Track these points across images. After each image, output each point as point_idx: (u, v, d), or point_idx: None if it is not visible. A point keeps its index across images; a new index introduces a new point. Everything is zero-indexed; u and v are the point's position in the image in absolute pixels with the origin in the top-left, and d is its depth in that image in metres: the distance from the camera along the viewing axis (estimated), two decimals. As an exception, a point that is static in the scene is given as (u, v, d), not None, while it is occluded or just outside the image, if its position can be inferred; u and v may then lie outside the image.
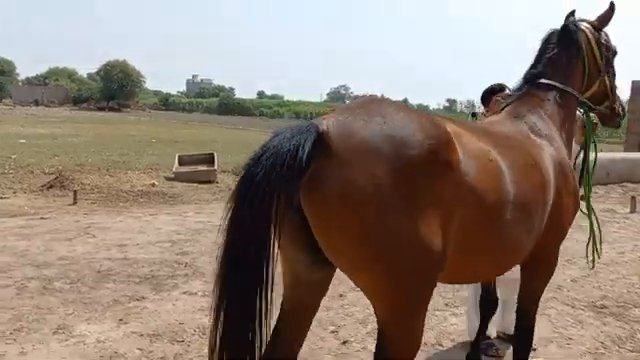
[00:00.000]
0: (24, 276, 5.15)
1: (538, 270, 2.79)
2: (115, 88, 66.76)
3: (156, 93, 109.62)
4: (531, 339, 2.91)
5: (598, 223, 3.30)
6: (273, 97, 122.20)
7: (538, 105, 2.78)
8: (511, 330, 3.97)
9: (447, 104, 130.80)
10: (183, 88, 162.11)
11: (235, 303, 1.89)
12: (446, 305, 4.78)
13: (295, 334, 2.23)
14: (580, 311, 4.74)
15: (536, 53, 2.97)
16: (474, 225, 2.09)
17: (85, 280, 5.12)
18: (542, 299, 3.04)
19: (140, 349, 3.78)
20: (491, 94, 3.91)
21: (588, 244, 3.29)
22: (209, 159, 13.84)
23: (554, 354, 3.87)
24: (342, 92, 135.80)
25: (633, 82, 20.96)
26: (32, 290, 4.81)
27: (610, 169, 13.74)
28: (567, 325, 4.41)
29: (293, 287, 2.17)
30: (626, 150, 20.04)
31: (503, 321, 4.01)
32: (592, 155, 3.24)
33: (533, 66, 2.93)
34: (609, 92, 3.08)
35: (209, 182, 12.46)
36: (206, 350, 3.69)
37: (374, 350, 2.33)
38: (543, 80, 2.84)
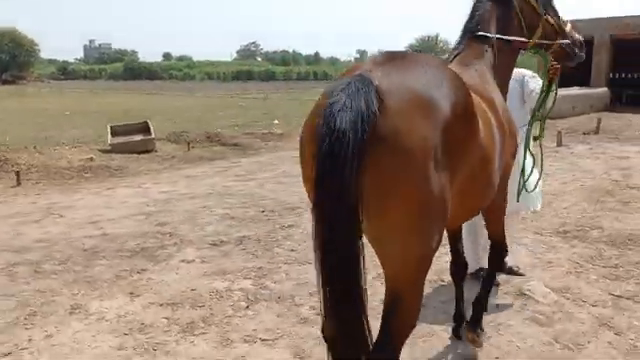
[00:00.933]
0: (7, 262, 4.96)
1: (496, 206, 2.96)
2: (7, 59, 61.59)
3: (51, 62, 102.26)
4: (503, 255, 3.33)
5: (542, 160, 3.66)
6: (181, 59, 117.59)
7: (479, 55, 2.88)
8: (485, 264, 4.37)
9: (357, 55, 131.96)
10: (80, 55, 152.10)
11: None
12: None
13: None
14: (549, 238, 5.31)
15: (471, 6, 3.04)
16: (475, 176, 2.21)
17: (75, 260, 5.02)
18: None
19: (166, 318, 3.85)
20: None
21: (525, 179, 3.56)
22: (144, 128, 13.40)
23: (542, 277, 4.36)
24: (252, 49, 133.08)
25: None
26: (24, 275, 4.66)
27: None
28: (543, 251, 4.94)
29: None
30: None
31: (480, 259, 4.34)
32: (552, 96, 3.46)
33: (469, 20, 3.00)
34: (557, 29, 3.17)
35: (147, 152, 12.14)
36: (231, 311, 3.90)
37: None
38: (480, 32, 2.92)
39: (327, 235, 1.81)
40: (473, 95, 2.23)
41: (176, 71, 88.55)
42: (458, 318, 3.44)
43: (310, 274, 4.52)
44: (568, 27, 3.27)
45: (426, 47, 73.80)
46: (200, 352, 3.40)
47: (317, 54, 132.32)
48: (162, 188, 8.04)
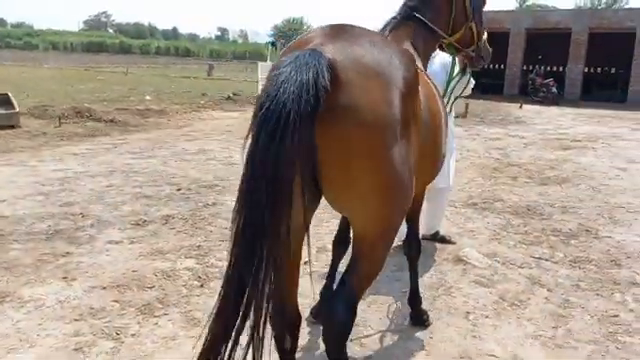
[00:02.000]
0: None
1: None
2: None
3: None
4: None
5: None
6: (18, 26, 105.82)
7: (410, 34, 2.92)
8: (434, 229, 4.77)
9: (219, 33, 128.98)
10: None
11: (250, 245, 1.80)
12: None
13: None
14: (463, 209, 5.79)
15: None
16: (427, 149, 2.30)
17: (-21, 245, 4.43)
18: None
19: (115, 301, 3.59)
20: None
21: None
22: (3, 101, 11.99)
23: (470, 244, 4.77)
24: (103, 20, 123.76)
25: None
26: None
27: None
28: (462, 222, 5.39)
29: None
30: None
31: (429, 224, 4.73)
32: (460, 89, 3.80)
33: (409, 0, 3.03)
34: (475, 38, 3.27)
35: (11, 127, 10.91)
36: (185, 291, 3.76)
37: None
38: (416, 14, 2.95)
39: (249, 217, 1.77)
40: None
41: (15, 40, 79.72)
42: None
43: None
44: (484, 36, 3.42)
45: (291, 29, 74.49)
46: (169, 332, 3.23)
47: (175, 29, 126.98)
48: (52, 166, 7.30)
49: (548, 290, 3.91)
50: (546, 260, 4.46)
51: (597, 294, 3.86)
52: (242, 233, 1.80)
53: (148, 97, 17.18)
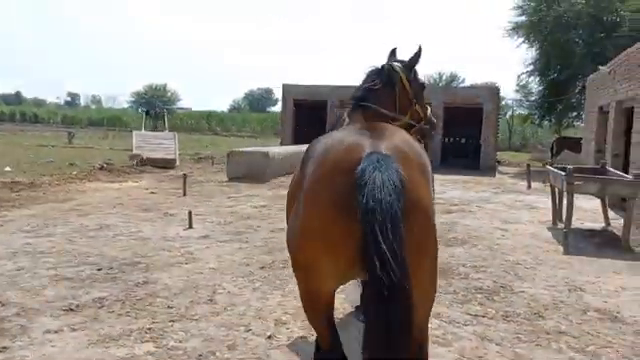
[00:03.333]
0: None
1: None
2: None
3: None
4: None
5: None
6: None
7: (361, 119, 3.28)
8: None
9: (69, 98, 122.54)
10: None
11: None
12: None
13: None
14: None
15: (362, 82, 3.57)
16: None
17: None
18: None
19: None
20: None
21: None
22: None
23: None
24: None
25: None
26: None
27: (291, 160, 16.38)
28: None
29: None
30: (283, 143, 23.72)
31: None
32: None
33: (357, 91, 3.51)
34: (422, 116, 3.79)
35: None
36: None
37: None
38: (364, 102, 3.41)
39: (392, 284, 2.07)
40: None
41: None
42: None
43: (210, 329, 4.40)
44: (428, 112, 3.98)
45: (153, 94, 73.19)
46: None
47: (19, 93, 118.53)
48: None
49: (497, 344, 4.33)
50: (482, 317, 4.92)
51: (537, 345, 4.35)
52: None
53: (8, 168, 15.75)
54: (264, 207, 10.74)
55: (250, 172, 14.85)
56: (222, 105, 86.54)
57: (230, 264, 6.39)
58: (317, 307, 2.63)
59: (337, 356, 2.67)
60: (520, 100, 33.72)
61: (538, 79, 25.98)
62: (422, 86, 3.86)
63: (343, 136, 2.58)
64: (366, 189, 2.15)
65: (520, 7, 25.06)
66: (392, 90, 3.52)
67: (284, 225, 9.26)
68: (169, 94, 76.38)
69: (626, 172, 9.90)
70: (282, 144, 23.80)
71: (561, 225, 9.43)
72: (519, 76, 27.89)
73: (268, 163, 15.16)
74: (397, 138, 2.53)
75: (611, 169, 9.93)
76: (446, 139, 23.93)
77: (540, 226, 9.69)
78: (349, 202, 2.21)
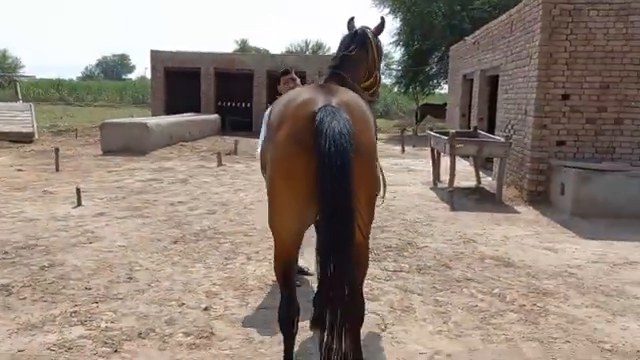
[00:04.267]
0: None
1: None
2: None
3: None
4: None
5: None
6: None
7: (341, 82, 3.39)
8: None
9: None
10: None
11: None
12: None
13: None
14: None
15: (337, 49, 3.71)
16: None
17: None
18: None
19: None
20: (283, 75, 4.95)
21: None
22: None
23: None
24: None
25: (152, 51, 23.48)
26: None
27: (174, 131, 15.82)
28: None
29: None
30: (154, 113, 22.69)
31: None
32: None
33: (334, 59, 3.65)
34: (377, 83, 3.91)
35: None
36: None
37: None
38: (337, 70, 3.55)
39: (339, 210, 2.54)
40: None
41: None
42: None
43: (141, 307, 4.27)
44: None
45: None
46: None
47: None
48: None
49: (418, 295, 4.72)
50: (399, 271, 5.31)
51: (452, 292, 4.82)
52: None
53: None
54: (154, 180, 10.33)
55: (128, 145, 14.10)
56: (71, 73, 79.22)
57: (140, 240, 6.14)
58: (281, 249, 3.04)
59: (289, 294, 3.12)
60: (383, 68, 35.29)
61: (403, 49, 27.42)
62: (383, 55, 4.10)
63: (300, 92, 3.04)
64: (325, 135, 2.57)
65: (386, -22, 26.06)
66: (366, 55, 3.64)
67: (182, 198, 9.14)
68: (9, 61, 68.54)
69: (492, 134, 10.99)
70: (154, 115, 22.73)
71: (440, 185, 10.28)
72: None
73: (147, 135, 14.48)
74: (345, 95, 2.95)
75: (482, 132, 10.96)
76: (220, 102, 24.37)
77: (423, 187, 10.45)
78: (307, 141, 2.63)
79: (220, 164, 12.65)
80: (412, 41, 26.07)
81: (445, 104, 22.20)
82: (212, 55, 24.23)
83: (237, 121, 23.95)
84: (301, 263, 5.24)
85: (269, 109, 4.75)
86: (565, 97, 8.64)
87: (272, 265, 5.26)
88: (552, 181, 8.64)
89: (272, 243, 6.01)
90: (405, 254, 5.90)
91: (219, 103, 24.35)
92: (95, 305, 4.32)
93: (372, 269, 5.29)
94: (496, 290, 4.88)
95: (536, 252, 6.18)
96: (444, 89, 29.20)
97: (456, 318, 4.24)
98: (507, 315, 4.33)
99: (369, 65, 3.70)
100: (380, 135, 25.18)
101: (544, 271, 5.46)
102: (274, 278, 4.97)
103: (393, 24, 26.59)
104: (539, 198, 8.74)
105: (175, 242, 6.11)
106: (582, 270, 5.53)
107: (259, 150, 4.75)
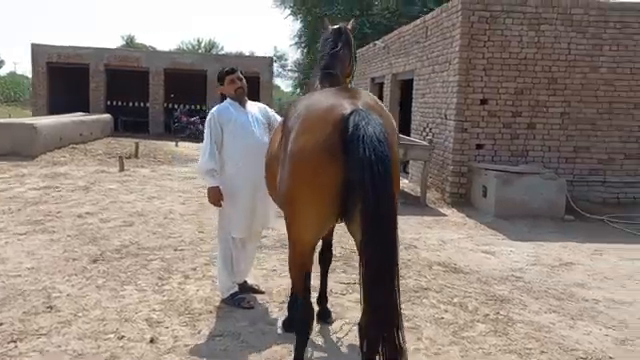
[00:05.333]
0: None
1: None
2: None
3: None
4: None
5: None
6: None
7: (337, 83, 3.53)
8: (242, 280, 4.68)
9: None
10: None
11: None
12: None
13: None
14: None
15: (325, 46, 3.72)
16: None
17: None
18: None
19: None
20: (228, 74, 4.44)
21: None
22: None
23: (285, 283, 4.94)
24: None
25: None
26: None
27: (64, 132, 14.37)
28: (258, 263, 5.46)
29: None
30: (36, 113, 20.63)
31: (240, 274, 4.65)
32: None
33: (324, 59, 3.69)
34: (353, 75, 4.05)
35: None
36: None
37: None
38: (330, 70, 3.64)
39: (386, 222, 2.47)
40: None
41: None
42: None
43: (72, 344, 3.60)
44: None
45: None
46: None
47: None
48: None
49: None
50: (353, 284, 5.01)
51: (413, 303, 4.60)
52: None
53: None
54: (50, 188, 9.18)
55: (13, 148, 12.54)
56: None
57: (52, 261, 5.29)
58: (300, 257, 2.93)
59: (309, 300, 3.06)
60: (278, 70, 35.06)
61: (305, 51, 27.37)
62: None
63: (322, 96, 2.92)
64: (363, 141, 2.45)
65: (285, -21, 25.87)
66: (349, 52, 3.73)
67: (89, 208, 8.22)
68: None
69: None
70: (35, 115, 20.65)
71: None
72: (275, 47, 28.98)
73: (35, 137, 12.96)
74: (368, 97, 2.87)
75: (401, 135, 11.03)
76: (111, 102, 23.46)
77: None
78: (336, 148, 2.54)
79: (122, 169, 11.63)
80: (314, 43, 26.05)
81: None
82: (102, 51, 22.53)
83: (131, 122, 22.51)
84: (251, 281, 4.79)
85: (212, 114, 4.28)
86: (483, 102, 8.89)
87: (215, 284, 4.88)
88: (473, 183, 8.85)
89: (208, 259, 5.52)
90: (353, 263, 5.61)
91: (110, 102, 22.66)
92: (13, 345, 3.56)
93: (344, 276, 4.97)
94: (455, 299, 4.75)
95: (476, 256, 6.19)
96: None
97: (428, 333, 4.02)
98: (476, 327, 4.19)
99: (351, 62, 3.77)
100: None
101: (492, 276, 5.45)
102: (220, 299, 4.48)
103: (293, 26, 26.46)
104: (461, 200, 8.92)
105: (94, 261, 5.34)
106: (525, 273, 5.60)
107: (202, 161, 4.25)
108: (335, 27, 3.81)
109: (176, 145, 18.24)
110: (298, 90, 32.37)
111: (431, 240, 6.79)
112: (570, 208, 8.43)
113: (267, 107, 4.89)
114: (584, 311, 4.61)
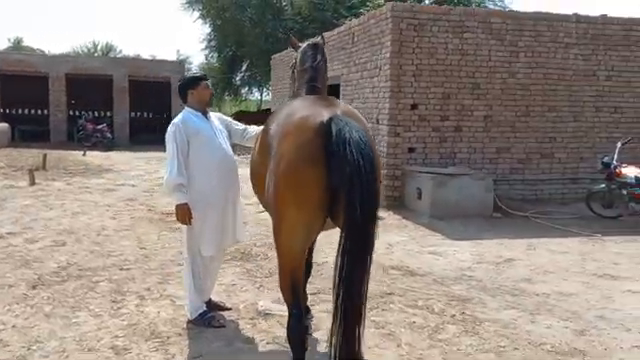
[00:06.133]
0: None
1: None
2: None
3: None
4: None
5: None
6: None
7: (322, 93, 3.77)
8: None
9: None
10: None
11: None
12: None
13: None
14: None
15: (306, 60, 3.81)
16: None
17: None
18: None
19: None
20: (202, 80, 4.25)
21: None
22: None
23: (252, 297, 4.78)
24: None
25: None
26: None
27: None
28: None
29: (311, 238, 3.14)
30: None
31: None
32: None
33: (307, 72, 3.78)
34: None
35: None
36: None
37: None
38: (315, 83, 3.76)
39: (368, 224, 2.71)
40: None
41: None
42: None
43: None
44: None
45: None
46: None
47: None
48: None
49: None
50: (318, 293, 4.95)
51: (382, 309, 4.63)
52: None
53: None
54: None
55: None
56: None
57: (-16, 289, 4.76)
58: (290, 263, 2.95)
59: (298, 310, 3.06)
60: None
61: (216, 55, 26.84)
62: None
63: (301, 104, 3.10)
64: (349, 144, 2.62)
65: (193, -19, 25.22)
66: (325, 65, 3.89)
67: (10, 227, 7.57)
68: None
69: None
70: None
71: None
72: (178, 50, 28.21)
73: None
74: (344, 106, 3.08)
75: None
76: (133, 114, 22.62)
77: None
78: (317, 153, 2.69)
79: (33, 182, 10.74)
80: (226, 47, 25.67)
81: (262, 110, 22.31)
82: (62, 58, 20.74)
83: (29, 131, 20.91)
84: (216, 299, 4.58)
85: (176, 125, 4.05)
86: (414, 107, 9.17)
87: (176, 304, 4.62)
88: (407, 186, 9.09)
89: (161, 277, 5.26)
90: (312, 272, 5.55)
91: (5, 110, 20.89)
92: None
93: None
94: (420, 302, 4.84)
95: (425, 258, 6.36)
96: (255, 96, 29.42)
97: (406, 339, 4.06)
98: (448, 328, 4.28)
99: (326, 74, 3.94)
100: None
101: (446, 277, 5.61)
102: (186, 319, 4.25)
103: (203, 29, 25.86)
104: (396, 203, 9.13)
105: (34, 287, 4.87)
106: (475, 272, 5.83)
107: (169, 177, 4.00)
108: (312, 42, 3.96)
109: (84, 154, 17.17)
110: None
111: (377, 243, 6.86)
112: (496, 206, 8.91)
113: (222, 115, 4.75)
114: (540, 305, 4.87)
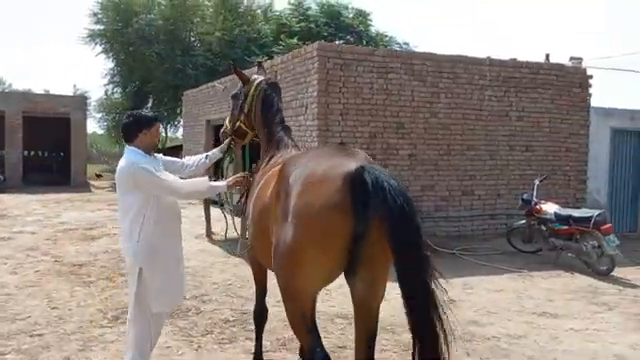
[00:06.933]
0: None
1: None
2: None
3: None
4: None
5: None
6: None
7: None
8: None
9: None
10: None
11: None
12: None
13: None
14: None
15: (272, 102, 4.01)
16: None
17: None
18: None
19: None
20: (157, 121, 3.80)
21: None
22: None
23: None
24: None
25: None
26: None
27: None
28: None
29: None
30: None
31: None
32: None
33: (276, 113, 4.02)
34: None
35: None
36: None
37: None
38: (285, 124, 4.09)
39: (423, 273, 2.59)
40: None
41: None
42: None
43: None
44: None
45: None
46: None
47: None
48: None
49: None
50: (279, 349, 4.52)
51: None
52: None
53: None
54: None
55: None
56: None
57: None
58: (303, 307, 2.80)
59: (321, 355, 2.80)
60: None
61: (120, 90, 25.59)
62: None
63: (321, 153, 3.01)
64: (389, 192, 2.53)
65: (96, 15, 24.05)
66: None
67: None
68: None
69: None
70: None
71: (217, 237, 9.60)
72: (74, 85, 26.67)
73: None
74: (361, 152, 2.99)
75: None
76: (26, 152, 20.83)
77: (199, 241, 9.60)
78: (345, 202, 2.59)
79: None
80: (131, 82, 24.57)
81: (169, 148, 21.46)
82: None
83: None
84: None
85: (133, 164, 3.54)
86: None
87: None
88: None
89: (82, 343, 4.59)
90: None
91: None
92: None
93: (249, 344, 4.43)
94: (376, 355, 4.54)
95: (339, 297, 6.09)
96: (162, 133, 28.12)
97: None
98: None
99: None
100: (97, 183, 22.76)
101: (394, 324, 5.27)
102: None
103: (106, 64, 24.61)
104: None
105: None
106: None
107: (192, 183, 3.79)
108: (270, 81, 4.13)
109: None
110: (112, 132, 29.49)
111: (316, 290, 6.55)
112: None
113: (161, 155, 4.29)
114: (494, 350, 4.76)
